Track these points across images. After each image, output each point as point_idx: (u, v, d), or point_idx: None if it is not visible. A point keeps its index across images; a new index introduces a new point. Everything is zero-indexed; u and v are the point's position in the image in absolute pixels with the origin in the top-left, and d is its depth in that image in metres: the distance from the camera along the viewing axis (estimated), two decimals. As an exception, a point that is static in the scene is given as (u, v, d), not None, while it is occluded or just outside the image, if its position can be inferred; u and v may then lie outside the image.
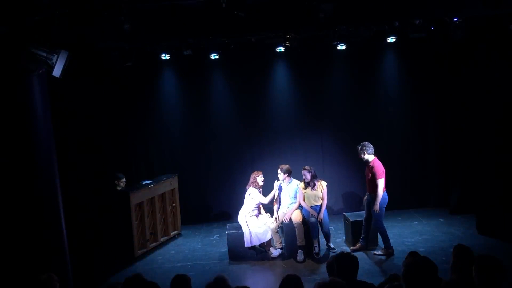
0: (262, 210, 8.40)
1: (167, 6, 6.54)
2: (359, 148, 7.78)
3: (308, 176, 8.00)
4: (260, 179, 8.15)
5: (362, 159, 7.82)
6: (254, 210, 8.10)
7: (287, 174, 8.07)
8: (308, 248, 7.95)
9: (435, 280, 3.65)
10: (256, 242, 8.03)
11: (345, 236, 8.59)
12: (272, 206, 8.38)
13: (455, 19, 7.69)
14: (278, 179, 8.24)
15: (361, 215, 8.42)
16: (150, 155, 10.03)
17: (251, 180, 8.15)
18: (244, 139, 9.99)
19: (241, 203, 8.28)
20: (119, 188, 8.73)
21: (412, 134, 10.00)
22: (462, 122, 9.35)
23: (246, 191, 8.18)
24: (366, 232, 7.96)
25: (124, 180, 8.84)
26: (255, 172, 8.23)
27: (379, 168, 7.69)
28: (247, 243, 8.01)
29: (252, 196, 8.08)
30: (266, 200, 8.14)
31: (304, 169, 8.06)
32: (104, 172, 8.83)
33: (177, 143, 10.02)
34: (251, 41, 8.53)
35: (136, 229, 8.38)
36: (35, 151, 6.22)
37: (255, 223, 8.02)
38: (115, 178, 8.74)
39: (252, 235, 7.99)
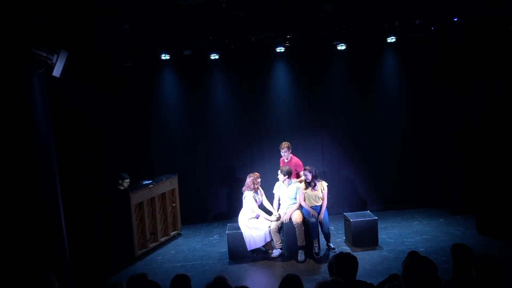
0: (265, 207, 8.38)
1: (167, 6, 6.55)
2: (287, 146, 8.50)
3: (309, 176, 8.01)
4: (257, 181, 8.13)
5: (285, 155, 8.54)
6: (253, 212, 8.09)
7: (287, 176, 8.06)
8: (308, 248, 7.95)
9: (435, 280, 3.65)
10: (257, 245, 8.03)
11: (345, 236, 8.59)
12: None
13: (455, 19, 7.70)
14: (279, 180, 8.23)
15: (361, 215, 8.44)
16: (150, 155, 10.02)
17: (247, 182, 8.12)
18: (244, 139, 9.99)
19: (241, 203, 8.28)
20: (122, 188, 8.74)
21: (412, 134, 10.00)
22: (462, 122, 9.35)
23: (243, 193, 8.18)
24: None
25: (128, 180, 8.83)
26: (253, 175, 8.16)
27: (300, 162, 8.60)
28: (249, 247, 8.01)
29: (247, 200, 8.08)
30: (257, 211, 8.10)
31: (305, 169, 8.07)
32: (104, 172, 8.85)
33: (177, 143, 10.02)
34: (251, 41, 8.53)
35: (136, 229, 8.37)
36: (35, 151, 6.22)
37: (254, 225, 8.01)
38: (119, 178, 8.74)
39: (253, 239, 7.98)
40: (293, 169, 8.34)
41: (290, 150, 8.58)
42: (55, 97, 6.84)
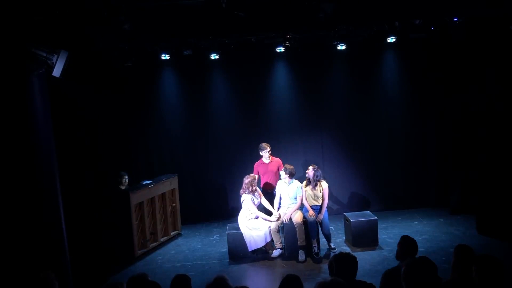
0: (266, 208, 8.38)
1: (167, 6, 6.56)
2: (270, 146, 8.58)
3: (310, 174, 8.02)
4: (255, 183, 8.13)
5: (268, 156, 8.60)
6: (252, 213, 8.09)
7: (288, 175, 8.06)
8: (308, 248, 7.95)
9: (435, 280, 3.65)
10: (258, 245, 8.03)
11: (345, 236, 8.59)
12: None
13: (455, 19, 7.70)
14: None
15: (361, 215, 8.44)
16: (150, 155, 10.03)
17: (244, 185, 8.09)
18: (244, 138, 9.99)
19: (241, 203, 8.27)
20: (123, 188, 8.76)
21: (412, 133, 10.00)
22: (462, 122, 9.35)
23: (241, 196, 8.19)
24: None
25: (127, 177, 8.86)
26: (249, 177, 8.12)
27: (280, 160, 8.73)
28: (250, 247, 8.01)
29: (245, 203, 8.08)
30: (257, 213, 8.08)
31: (311, 165, 8.12)
32: (104, 172, 8.86)
33: (177, 143, 10.03)
34: (251, 41, 8.54)
35: (136, 229, 8.37)
36: (35, 151, 6.22)
37: (254, 225, 8.00)
38: (118, 177, 8.76)
39: (253, 239, 7.98)
40: (276, 169, 8.50)
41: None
42: (55, 97, 6.84)
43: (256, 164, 8.75)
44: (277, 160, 8.69)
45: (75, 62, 6.42)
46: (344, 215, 8.56)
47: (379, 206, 9.98)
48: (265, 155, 8.59)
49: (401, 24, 8.12)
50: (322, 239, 8.14)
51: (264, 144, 8.62)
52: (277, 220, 8.02)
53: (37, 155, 6.24)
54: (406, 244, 4.63)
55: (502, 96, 8.21)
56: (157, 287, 4.20)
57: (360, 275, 4.27)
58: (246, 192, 8.06)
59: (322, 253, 8.02)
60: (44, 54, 6.06)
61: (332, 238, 8.25)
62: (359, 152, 10.03)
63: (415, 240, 4.66)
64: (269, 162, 8.64)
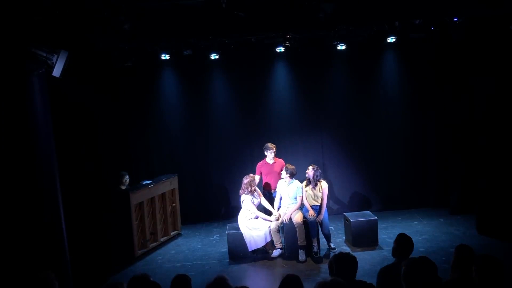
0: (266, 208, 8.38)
1: (167, 6, 6.56)
2: (275, 147, 8.61)
3: (310, 173, 8.02)
4: (254, 183, 8.13)
5: (272, 157, 8.60)
6: (252, 213, 8.09)
7: (289, 175, 8.06)
8: (308, 248, 7.95)
9: (435, 280, 3.66)
10: (258, 245, 8.03)
11: (345, 236, 8.59)
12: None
13: (455, 19, 7.70)
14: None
15: (361, 215, 8.44)
16: (150, 155, 10.04)
17: (243, 185, 8.09)
18: (244, 138, 9.99)
19: (240, 203, 8.27)
20: (124, 187, 8.76)
21: (412, 133, 10.00)
22: (462, 122, 9.34)
23: (240, 197, 8.18)
24: None
25: (127, 176, 8.87)
26: (249, 177, 8.13)
27: (283, 162, 8.67)
28: (250, 247, 8.01)
29: (245, 204, 8.08)
30: (257, 213, 8.08)
31: (311, 165, 8.12)
32: (104, 172, 8.86)
33: (177, 143, 10.03)
34: (251, 41, 8.54)
35: (136, 229, 8.37)
36: (35, 151, 6.22)
37: (254, 225, 8.00)
38: (119, 177, 8.77)
39: (253, 239, 7.98)
40: (280, 169, 8.43)
41: None
42: (55, 97, 6.84)
43: (259, 164, 8.74)
44: (281, 161, 8.69)
45: (75, 62, 6.42)
46: (344, 215, 8.56)
47: (379, 206, 9.99)
48: (270, 155, 8.58)
49: (401, 24, 8.12)
50: (322, 238, 8.14)
51: (270, 144, 8.62)
52: (277, 220, 8.02)
53: (37, 155, 6.24)
54: (403, 242, 4.65)
55: (502, 96, 8.21)
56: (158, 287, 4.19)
57: (360, 275, 4.27)
58: (245, 192, 8.06)
59: (322, 253, 8.02)
60: (44, 54, 6.05)
61: (332, 238, 8.26)
62: (359, 152, 10.03)
63: (411, 238, 4.67)
64: (273, 163, 8.64)
